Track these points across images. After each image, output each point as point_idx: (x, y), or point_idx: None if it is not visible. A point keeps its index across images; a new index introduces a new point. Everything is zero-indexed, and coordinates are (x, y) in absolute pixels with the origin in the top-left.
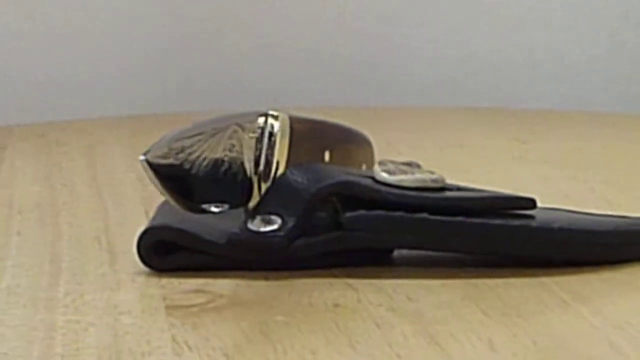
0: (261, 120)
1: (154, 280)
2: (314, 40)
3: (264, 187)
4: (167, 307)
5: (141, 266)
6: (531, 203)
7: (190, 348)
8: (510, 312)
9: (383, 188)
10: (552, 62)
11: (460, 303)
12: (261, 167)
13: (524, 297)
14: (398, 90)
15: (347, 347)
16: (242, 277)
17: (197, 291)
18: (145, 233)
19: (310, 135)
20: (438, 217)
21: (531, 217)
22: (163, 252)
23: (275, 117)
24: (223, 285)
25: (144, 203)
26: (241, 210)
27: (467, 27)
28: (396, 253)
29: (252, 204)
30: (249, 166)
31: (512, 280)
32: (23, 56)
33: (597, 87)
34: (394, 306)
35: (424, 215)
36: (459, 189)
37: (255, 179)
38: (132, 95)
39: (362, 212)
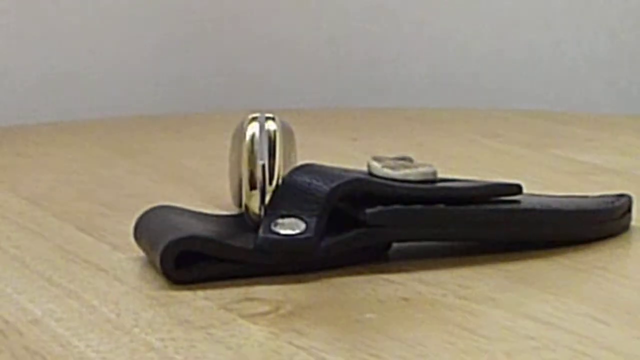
0: (258, 124)
1: (186, 293)
2: (313, 40)
3: (269, 190)
4: (242, 317)
5: (153, 280)
6: (519, 189)
7: (325, 351)
8: (565, 287)
9: (395, 183)
10: (552, 62)
11: (514, 286)
12: (266, 171)
13: (564, 275)
14: (398, 90)
15: (466, 335)
16: (274, 282)
17: (250, 299)
18: (169, 246)
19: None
20: (455, 207)
21: (520, 202)
22: (181, 264)
23: (272, 119)
24: (267, 292)
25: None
26: (230, 216)
27: (467, 27)
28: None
29: (261, 207)
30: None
31: (536, 264)
32: (23, 56)
33: (597, 88)
34: (459, 295)
35: (441, 206)
36: (451, 180)
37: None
38: (132, 95)
39: (381, 207)
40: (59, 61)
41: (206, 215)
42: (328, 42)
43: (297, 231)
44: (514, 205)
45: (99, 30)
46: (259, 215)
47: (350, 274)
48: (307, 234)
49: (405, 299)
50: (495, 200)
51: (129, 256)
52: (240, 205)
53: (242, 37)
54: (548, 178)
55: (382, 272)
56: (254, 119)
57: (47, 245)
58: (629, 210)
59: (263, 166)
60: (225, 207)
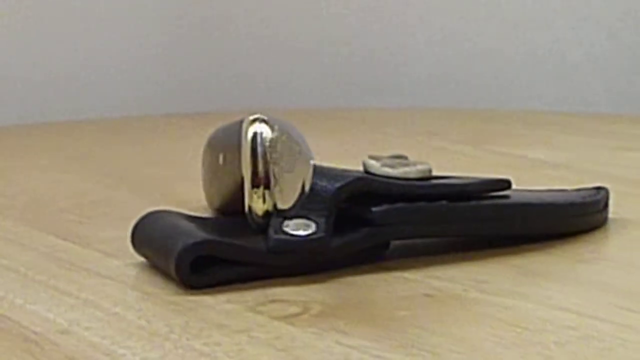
0: (265, 125)
1: (206, 297)
2: (313, 40)
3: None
4: (274, 319)
5: (165, 286)
6: (509, 184)
7: (378, 349)
8: (579, 279)
9: (398, 182)
10: (552, 62)
11: (530, 280)
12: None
13: (570, 268)
14: (398, 91)
15: (508, 328)
16: (288, 283)
17: (275, 301)
18: (184, 251)
19: None
20: (457, 204)
21: (513, 196)
22: (195, 268)
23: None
24: (288, 293)
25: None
26: (225, 218)
27: (467, 27)
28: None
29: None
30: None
31: (537, 257)
32: (23, 56)
33: (597, 87)
34: (481, 290)
35: (443, 202)
36: (444, 177)
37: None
38: (132, 95)
39: (387, 206)
40: (58, 61)
41: (203, 219)
42: (328, 42)
43: (309, 232)
44: (513, 200)
45: (98, 31)
46: (263, 217)
47: (360, 273)
48: (320, 234)
49: (429, 296)
50: (490, 195)
51: (127, 262)
52: (218, 209)
53: (242, 37)
54: (492, 173)
55: (390, 269)
56: (256, 119)
57: (35, 254)
58: (607, 203)
59: (315, 166)
60: (196, 210)
